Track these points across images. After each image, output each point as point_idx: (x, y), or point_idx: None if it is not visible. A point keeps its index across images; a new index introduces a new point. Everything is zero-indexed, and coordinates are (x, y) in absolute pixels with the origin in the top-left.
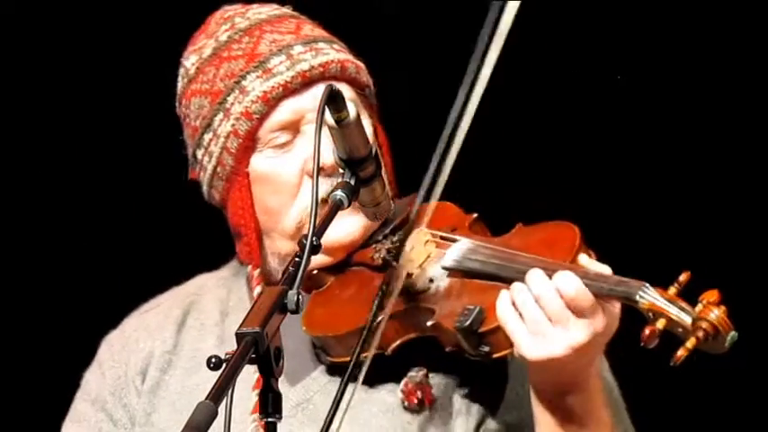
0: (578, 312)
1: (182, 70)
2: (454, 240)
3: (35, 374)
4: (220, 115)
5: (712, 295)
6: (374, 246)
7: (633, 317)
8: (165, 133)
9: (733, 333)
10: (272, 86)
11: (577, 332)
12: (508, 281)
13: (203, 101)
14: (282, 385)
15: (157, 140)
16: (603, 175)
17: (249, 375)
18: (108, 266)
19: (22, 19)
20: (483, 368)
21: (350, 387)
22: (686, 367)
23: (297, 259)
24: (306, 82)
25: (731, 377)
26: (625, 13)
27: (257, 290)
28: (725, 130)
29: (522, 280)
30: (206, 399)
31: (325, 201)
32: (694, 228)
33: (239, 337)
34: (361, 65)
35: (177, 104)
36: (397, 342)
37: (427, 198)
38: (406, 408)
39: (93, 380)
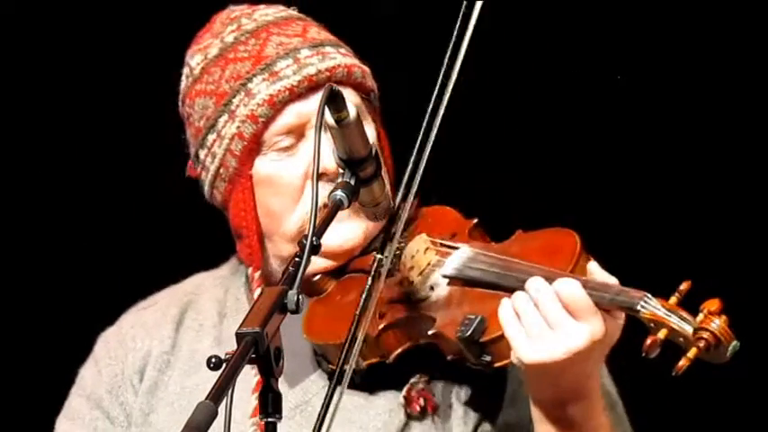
0: (577, 317)
1: (186, 69)
2: (455, 248)
3: (32, 370)
4: (225, 117)
5: (713, 304)
6: (374, 254)
7: (635, 327)
8: (164, 131)
9: (735, 343)
10: (279, 90)
11: (576, 337)
12: (509, 289)
13: (208, 101)
14: (281, 387)
15: (157, 138)
16: (605, 180)
17: (248, 378)
18: (105, 262)
19: (23, 18)
20: (483, 374)
21: (339, 390)
22: (687, 376)
23: (297, 259)
24: (312, 86)
25: (732, 386)
26: (628, 20)
27: (257, 292)
28: (728, 136)
29: (523, 288)
30: (206, 399)
31: (326, 206)
32: (696, 234)
33: (239, 336)
34: (367, 69)
35: (180, 103)
36: (399, 350)
37: (405, 196)
38: (408, 415)
39: (89, 376)
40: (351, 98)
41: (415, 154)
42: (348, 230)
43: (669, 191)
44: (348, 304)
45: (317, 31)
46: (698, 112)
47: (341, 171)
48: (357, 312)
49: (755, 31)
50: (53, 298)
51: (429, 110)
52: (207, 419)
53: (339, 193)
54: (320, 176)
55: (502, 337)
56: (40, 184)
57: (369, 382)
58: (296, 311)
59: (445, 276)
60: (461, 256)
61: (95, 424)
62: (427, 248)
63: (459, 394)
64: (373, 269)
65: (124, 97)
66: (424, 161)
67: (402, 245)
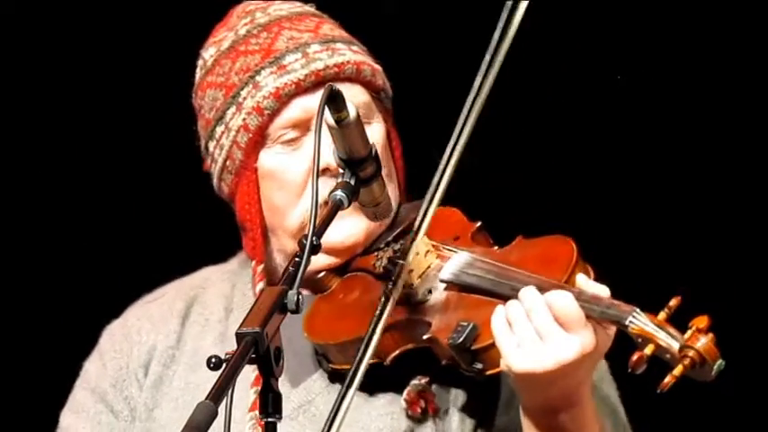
0: (568, 328)
1: (200, 61)
2: (455, 251)
3: (37, 363)
4: (233, 109)
5: (702, 321)
6: (376, 253)
7: (623, 342)
8: (173, 124)
9: (720, 362)
10: (285, 83)
11: (566, 349)
12: (504, 297)
13: (217, 93)
14: (284, 386)
15: (165, 131)
16: (609, 182)
17: (247, 373)
18: (111, 255)
19: (23, 18)
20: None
21: (350, 393)
22: (673, 392)
23: (297, 259)
24: (319, 81)
25: (719, 403)
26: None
27: (260, 286)
28: (730, 144)
29: (517, 297)
30: (206, 399)
31: (327, 203)
32: (690, 243)
33: (239, 336)
34: (378, 68)
35: (193, 95)
36: (396, 352)
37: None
38: (409, 416)
39: (94, 370)
40: (359, 96)
41: (444, 162)
42: (350, 227)
43: (671, 199)
44: (350, 304)
45: (330, 28)
46: (696, 114)
47: (341, 170)
48: (375, 316)
49: (755, 35)
50: (59, 291)
51: (460, 121)
52: (207, 419)
53: (339, 193)
54: (323, 172)
55: (493, 345)
56: (46, 177)
57: (367, 382)
58: (296, 311)
59: (442, 281)
60: (459, 261)
61: (99, 417)
62: (428, 251)
63: (457, 398)
64: (395, 274)
65: (133, 89)
66: (451, 168)
67: (405, 246)
